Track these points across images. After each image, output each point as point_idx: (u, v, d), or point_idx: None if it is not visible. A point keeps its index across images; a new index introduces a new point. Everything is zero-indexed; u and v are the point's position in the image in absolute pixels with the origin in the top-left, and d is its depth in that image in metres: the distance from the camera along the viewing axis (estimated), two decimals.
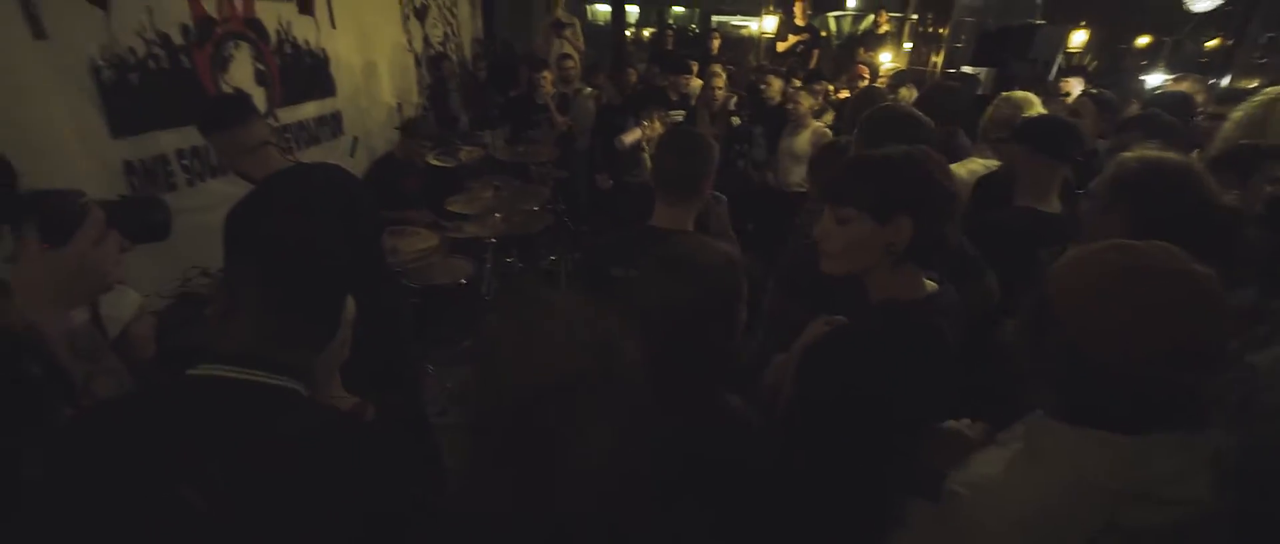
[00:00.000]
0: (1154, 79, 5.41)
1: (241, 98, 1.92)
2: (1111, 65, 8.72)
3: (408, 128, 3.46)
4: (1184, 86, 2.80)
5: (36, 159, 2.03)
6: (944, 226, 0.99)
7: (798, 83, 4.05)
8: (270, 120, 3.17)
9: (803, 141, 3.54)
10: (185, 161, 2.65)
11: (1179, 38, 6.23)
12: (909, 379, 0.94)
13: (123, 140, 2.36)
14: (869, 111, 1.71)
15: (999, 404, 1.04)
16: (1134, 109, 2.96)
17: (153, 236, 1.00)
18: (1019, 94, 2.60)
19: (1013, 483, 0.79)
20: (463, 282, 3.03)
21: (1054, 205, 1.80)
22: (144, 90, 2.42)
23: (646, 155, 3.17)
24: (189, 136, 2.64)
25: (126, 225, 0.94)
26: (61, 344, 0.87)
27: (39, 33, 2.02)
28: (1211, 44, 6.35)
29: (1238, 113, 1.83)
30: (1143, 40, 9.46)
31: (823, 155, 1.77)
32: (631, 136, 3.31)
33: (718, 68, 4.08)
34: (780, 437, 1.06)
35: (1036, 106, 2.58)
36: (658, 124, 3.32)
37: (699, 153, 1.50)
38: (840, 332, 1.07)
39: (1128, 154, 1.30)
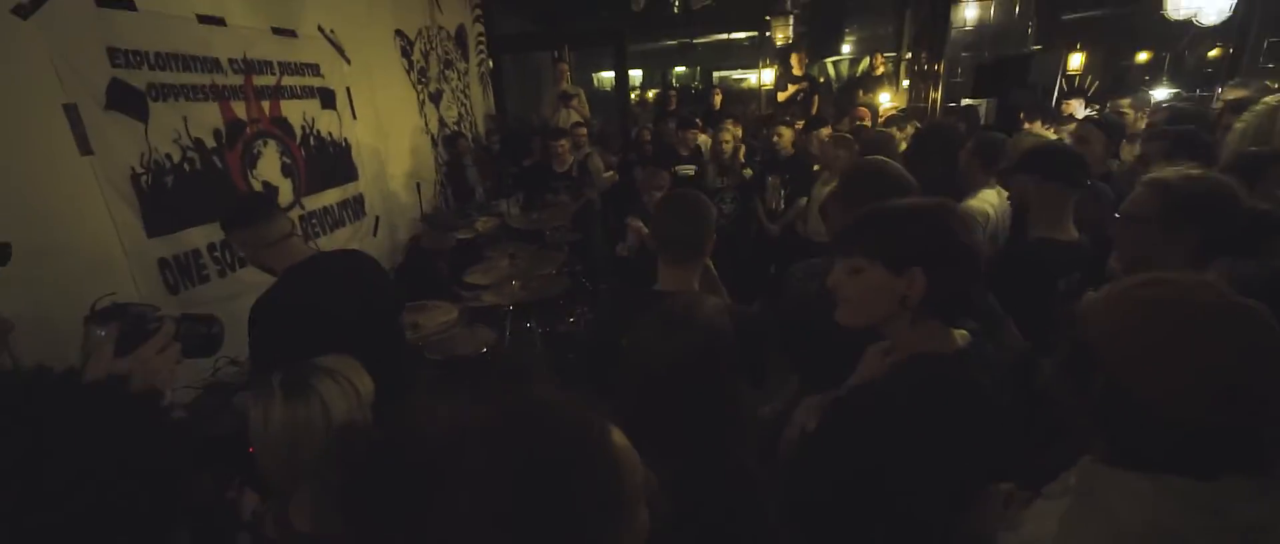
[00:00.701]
0: (1159, 93, 5.40)
1: (263, 196, 2.02)
2: (1113, 84, 8.76)
3: (430, 220, 3.61)
4: (1238, 92, 2.76)
5: (84, 262, 2.16)
6: (964, 281, 0.96)
7: (786, 128, 4.11)
8: (297, 208, 3.33)
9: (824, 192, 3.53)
10: (216, 254, 2.78)
11: (1179, 51, 6.25)
12: (942, 443, 0.89)
13: (157, 239, 2.49)
14: (849, 167, 1.72)
15: (1035, 455, 0.99)
16: (1140, 121, 2.95)
17: (205, 351, 1.07)
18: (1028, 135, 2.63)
19: (1075, 537, 0.74)
20: (484, 350, 3.05)
21: (1070, 233, 1.77)
22: (178, 191, 2.58)
23: (648, 236, 3.22)
24: (219, 231, 2.78)
25: (186, 340, 1.00)
26: None
27: (85, 149, 2.18)
28: (1213, 54, 6.36)
29: (1240, 122, 1.81)
30: (1142, 56, 9.54)
31: (830, 201, 1.77)
32: (633, 231, 3.34)
33: (728, 123, 4.16)
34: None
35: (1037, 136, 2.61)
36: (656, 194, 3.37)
37: (699, 214, 1.51)
38: (846, 404, 1.03)
39: (1172, 176, 1.30)
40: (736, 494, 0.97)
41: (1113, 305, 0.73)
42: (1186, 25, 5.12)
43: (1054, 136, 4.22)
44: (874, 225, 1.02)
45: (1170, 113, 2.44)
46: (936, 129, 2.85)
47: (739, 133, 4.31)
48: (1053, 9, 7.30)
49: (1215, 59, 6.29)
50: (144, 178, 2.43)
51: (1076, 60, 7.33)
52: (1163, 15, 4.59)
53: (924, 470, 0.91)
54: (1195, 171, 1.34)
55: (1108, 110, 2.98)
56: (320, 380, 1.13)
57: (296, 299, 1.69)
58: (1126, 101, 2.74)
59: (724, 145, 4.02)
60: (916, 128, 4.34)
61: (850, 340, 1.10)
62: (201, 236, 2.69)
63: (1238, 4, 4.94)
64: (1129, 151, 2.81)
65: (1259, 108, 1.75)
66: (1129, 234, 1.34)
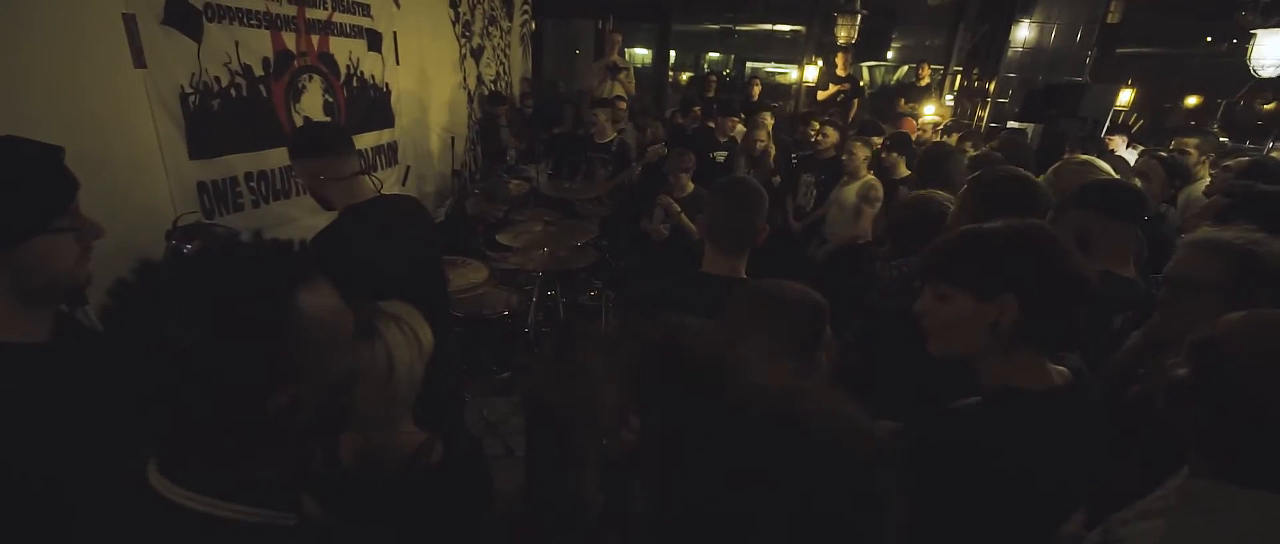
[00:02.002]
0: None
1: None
2: (1156, 124, 8.60)
3: (487, 192, 3.53)
4: None
5: (126, 176, 2.14)
6: (1062, 307, 0.91)
7: (818, 126, 4.04)
8: None
9: (850, 193, 3.45)
10: (252, 183, 2.76)
11: (1234, 100, 6.10)
12: (1017, 487, 0.85)
13: (198, 162, 2.47)
14: (979, 174, 1.64)
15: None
16: (1204, 166, 2.85)
17: None
18: (1081, 158, 2.56)
19: None
20: (506, 313, 3.05)
21: (1130, 270, 1.73)
22: (223, 116, 2.55)
23: (680, 214, 3.19)
24: (259, 161, 2.76)
25: None
26: None
27: (139, 62, 2.15)
28: (1268, 107, 6.20)
29: None
30: (1192, 100, 9.34)
31: (909, 211, 1.71)
32: (663, 208, 3.29)
33: (766, 116, 4.10)
34: None
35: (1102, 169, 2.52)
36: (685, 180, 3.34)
37: (754, 202, 1.48)
38: (924, 436, 0.97)
39: (1237, 238, 1.17)
40: None
41: (1257, 333, 0.71)
42: (1245, 73, 5.00)
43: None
44: (959, 250, 0.97)
45: (1252, 164, 2.34)
46: (1013, 144, 2.78)
47: (770, 125, 4.25)
48: (1110, 42, 7.13)
49: (1269, 112, 6.12)
50: (192, 98, 2.40)
51: (1125, 96, 7.21)
52: (1240, 61, 4.49)
53: (995, 512, 0.88)
54: (1258, 235, 1.17)
55: (1173, 149, 2.89)
56: (386, 325, 1.12)
57: (359, 237, 1.66)
58: (1194, 141, 2.66)
59: (758, 143, 3.96)
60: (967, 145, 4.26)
61: (934, 362, 1.07)
62: (241, 164, 2.67)
63: None
64: (1190, 192, 2.74)
65: None
66: (1183, 306, 1.19)
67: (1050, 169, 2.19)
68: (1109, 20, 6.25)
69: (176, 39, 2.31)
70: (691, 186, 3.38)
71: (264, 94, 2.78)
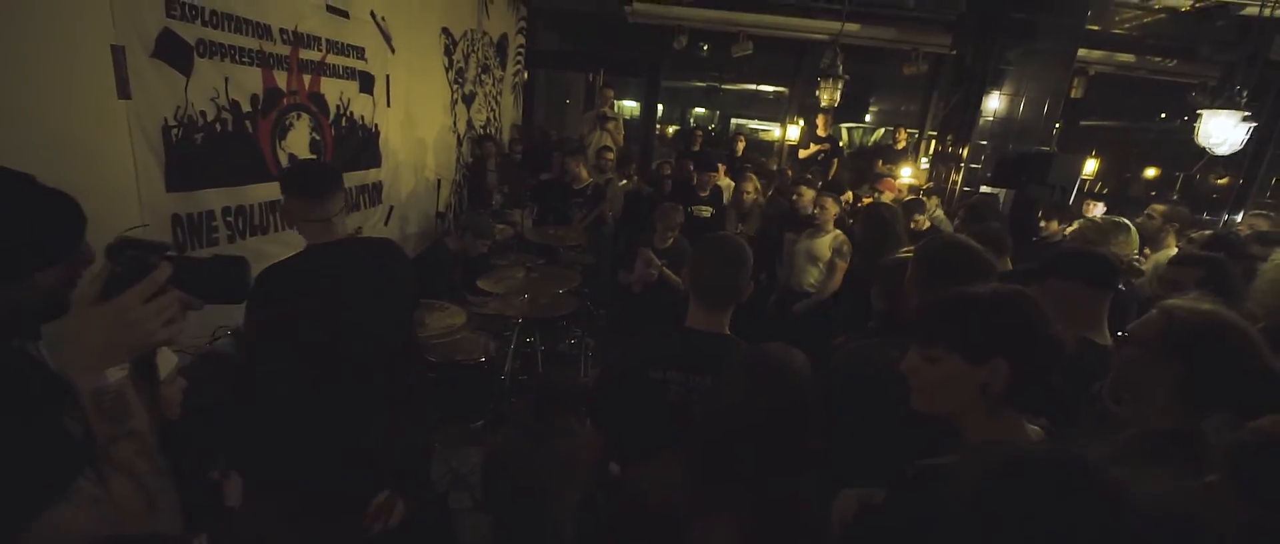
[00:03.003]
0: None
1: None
2: (1119, 193, 9.02)
3: (472, 226, 3.46)
4: (1264, 225, 2.81)
5: (99, 203, 2.08)
6: (1047, 372, 0.93)
7: (807, 189, 4.17)
8: None
9: (823, 245, 3.60)
10: (229, 218, 2.71)
11: (1190, 173, 6.44)
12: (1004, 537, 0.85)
13: (174, 194, 2.42)
14: (926, 242, 1.68)
15: None
16: (1169, 234, 2.99)
17: (231, 298, 0.97)
18: (1105, 220, 2.64)
19: None
20: (482, 360, 2.97)
21: (1106, 336, 1.76)
22: (205, 150, 2.52)
23: (661, 267, 3.23)
24: (238, 195, 2.72)
25: (200, 286, 0.91)
26: (89, 401, 0.83)
27: (124, 93, 2.13)
28: (1221, 182, 6.56)
29: (1272, 268, 1.82)
30: (1150, 172, 9.85)
31: (889, 273, 1.74)
32: (644, 261, 3.32)
33: (752, 173, 4.21)
34: None
35: (1132, 236, 2.57)
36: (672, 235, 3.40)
37: (739, 259, 1.48)
38: (915, 481, 0.98)
39: (1180, 303, 1.19)
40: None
41: None
42: (1202, 149, 5.31)
43: (1064, 234, 4.32)
44: (954, 314, 0.98)
45: (1212, 238, 2.44)
46: (985, 205, 2.92)
47: (758, 184, 4.36)
48: (1074, 114, 7.54)
49: (1222, 187, 6.48)
50: (175, 131, 2.37)
51: (1090, 166, 7.57)
52: (1191, 138, 4.77)
53: None
54: (1207, 304, 1.19)
55: (1142, 217, 3.03)
56: None
57: (307, 276, 1.63)
58: (1161, 209, 2.79)
59: (746, 195, 4.04)
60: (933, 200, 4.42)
61: (903, 423, 1.06)
62: (218, 199, 2.62)
63: (1250, 141, 5.14)
64: (1157, 259, 2.85)
65: None
66: (1124, 355, 1.24)
67: (1076, 224, 2.28)
68: (1072, 94, 6.62)
69: (165, 72, 2.30)
70: (673, 239, 3.41)
71: (249, 130, 2.77)
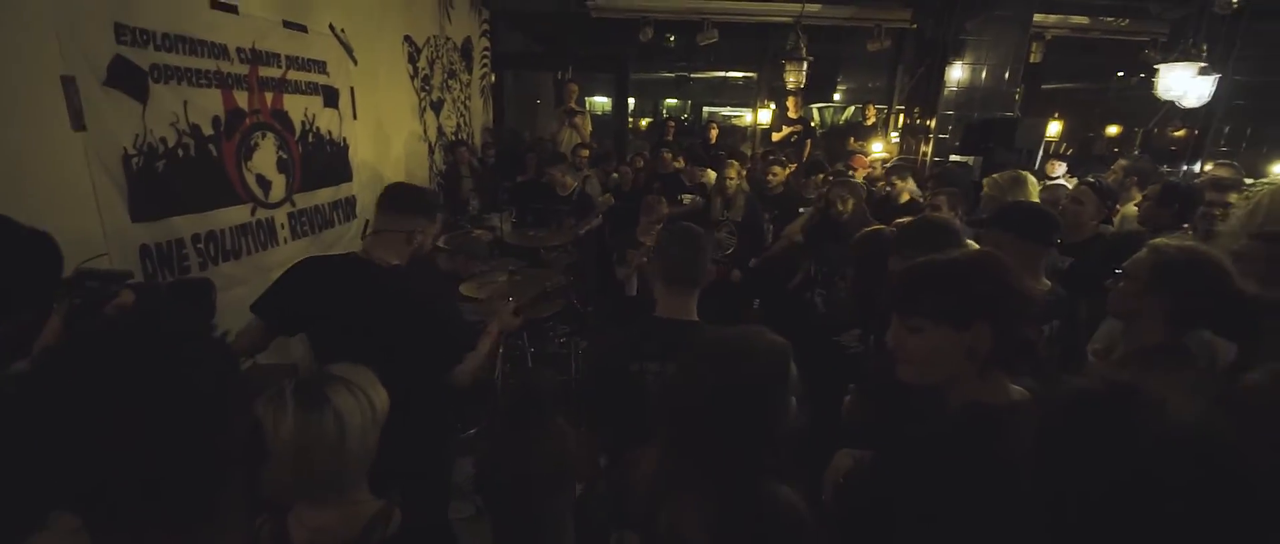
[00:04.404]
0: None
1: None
2: (1083, 152, 9.25)
3: (465, 249, 3.44)
4: (1224, 172, 2.95)
5: (61, 240, 2.03)
6: (1026, 329, 0.97)
7: (779, 169, 4.20)
8: (288, 205, 3.22)
9: (794, 228, 3.58)
10: (200, 245, 2.65)
11: (1149, 128, 6.63)
12: (996, 491, 0.86)
13: (141, 224, 2.37)
14: (906, 223, 1.77)
15: None
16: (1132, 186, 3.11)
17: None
18: (1004, 174, 2.85)
19: None
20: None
21: (1043, 283, 1.85)
22: (168, 177, 2.47)
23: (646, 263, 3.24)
24: (207, 221, 2.67)
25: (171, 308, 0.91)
26: None
27: (78, 125, 2.08)
28: (1179, 134, 6.76)
29: (1242, 199, 1.91)
30: (1112, 129, 10.10)
31: (864, 243, 1.80)
32: (632, 262, 3.33)
33: (734, 161, 4.20)
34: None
35: (1028, 187, 2.75)
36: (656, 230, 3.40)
37: (701, 243, 1.56)
38: (879, 461, 1.03)
39: (1167, 242, 1.39)
40: (777, 526, 0.93)
41: None
42: (1158, 104, 5.46)
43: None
44: (933, 282, 1.00)
45: (1164, 189, 2.58)
46: (949, 175, 3.05)
47: (741, 171, 4.39)
48: (1035, 79, 7.69)
49: (1180, 139, 6.67)
50: (135, 160, 2.32)
51: (1054, 128, 7.74)
52: (1149, 93, 4.90)
53: (972, 522, 0.88)
54: (1189, 242, 1.42)
55: (1104, 176, 3.14)
56: (335, 391, 1.06)
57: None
58: (1121, 163, 2.93)
59: (729, 182, 4.05)
60: (905, 180, 4.50)
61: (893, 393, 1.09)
62: (188, 226, 2.57)
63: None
64: (1125, 213, 2.96)
65: (1263, 189, 1.85)
66: (1118, 289, 1.43)
67: (986, 180, 2.41)
68: (1031, 60, 6.76)
69: (120, 100, 2.24)
70: (656, 238, 3.41)
71: (214, 153, 2.71)
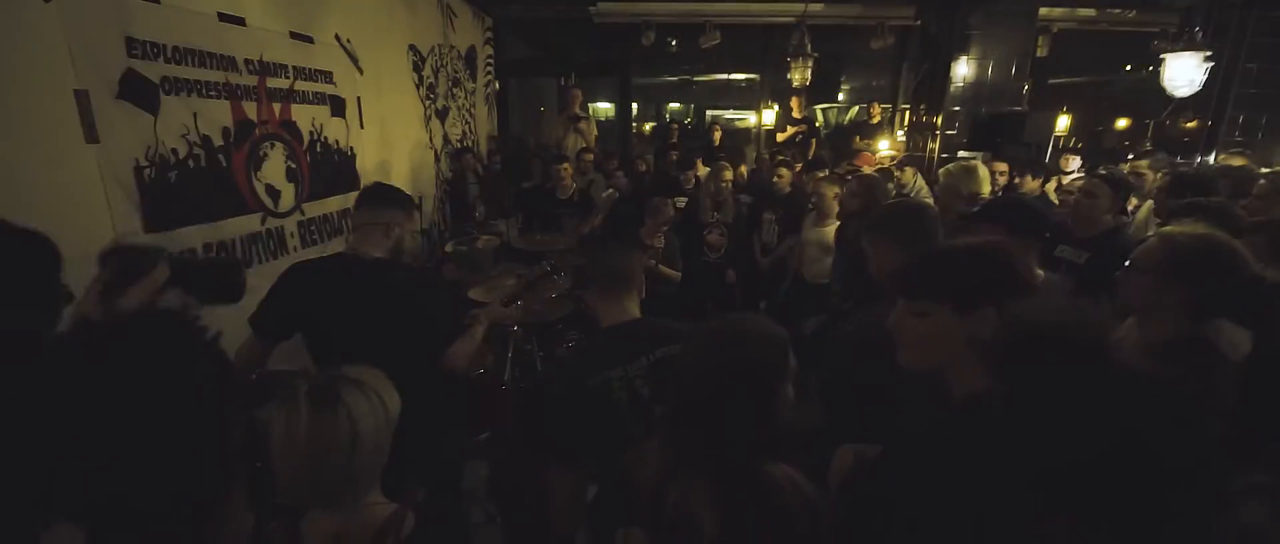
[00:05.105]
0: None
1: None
2: (1092, 146, 9.16)
3: (470, 263, 3.53)
4: (1237, 162, 2.93)
5: (74, 250, 2.05)
6: None
7: (786, 171, 4.19)
8: (297, 214, 3.25)
9: (830, 233, 3.42)
10: (211, 255, 2.67)
11: (1160, 120, 6.54)
12: (1001, 480, 0.85)
13: (154, 235, 2.39)
14: (876, 211, 1.76)
15: None
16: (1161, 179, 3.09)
17: (226, 298, 0.99)
18: (956, 165, 2.93)
19: None
20: (481, 371, 2.96)
21: (1038, 275, 1.82)
22: (180, 188, 2.50)
23: (656, 266, 3.29)
24: (217, 231, 2.69)
25: (198, 286, 0.92)
26: None
27: (91, 137, 2.10)
28: (1190, 125, 6.67)
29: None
30: (1122, 122, 10.00)
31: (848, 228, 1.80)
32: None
33: (727, 164, 4.16)
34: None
35: (978, 175, 2.85)
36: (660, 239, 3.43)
37: (620, 246, 1.62)
38: (882, 463, 1.02)
39: (1177, 231, 1.34)
40: (780, 501, 0.93)
41: None
42: (1168, 96, 5.40)
43: (1042, 191, 4.40)
44: (939, 268, 1.02)
45: (1172, 177, 2.55)
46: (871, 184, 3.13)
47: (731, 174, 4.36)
48: (1042, 73, 7.64)
49: (1193, 130, 6.58)
50: (148, 171, 2.34)
51: (1063, 122, 7.68)
52: (1158, 85, 4.87)
53: (976, 511, 0.88)
54: (1201, 229, 1.37)
55: (1124, 169, 3.12)
56: (348, 392, 1.06)
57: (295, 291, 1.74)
58: (1145, 163, 2.91)
59: (723, 184, 4.03)
60: (911, 174, 4.50)
61: (897, 387, 1.08)
62: (198, 235, 2.59)
63: (1217, 82, 5.25)
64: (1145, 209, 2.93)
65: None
66: (1130, 282, 1.38)
67: (941, 171, 2.61)
68: (1038, 53, 6.71)
69: (132, 113, 2.27)
70: (662, 241, 3.42)
71: (224, 163, 2.74)
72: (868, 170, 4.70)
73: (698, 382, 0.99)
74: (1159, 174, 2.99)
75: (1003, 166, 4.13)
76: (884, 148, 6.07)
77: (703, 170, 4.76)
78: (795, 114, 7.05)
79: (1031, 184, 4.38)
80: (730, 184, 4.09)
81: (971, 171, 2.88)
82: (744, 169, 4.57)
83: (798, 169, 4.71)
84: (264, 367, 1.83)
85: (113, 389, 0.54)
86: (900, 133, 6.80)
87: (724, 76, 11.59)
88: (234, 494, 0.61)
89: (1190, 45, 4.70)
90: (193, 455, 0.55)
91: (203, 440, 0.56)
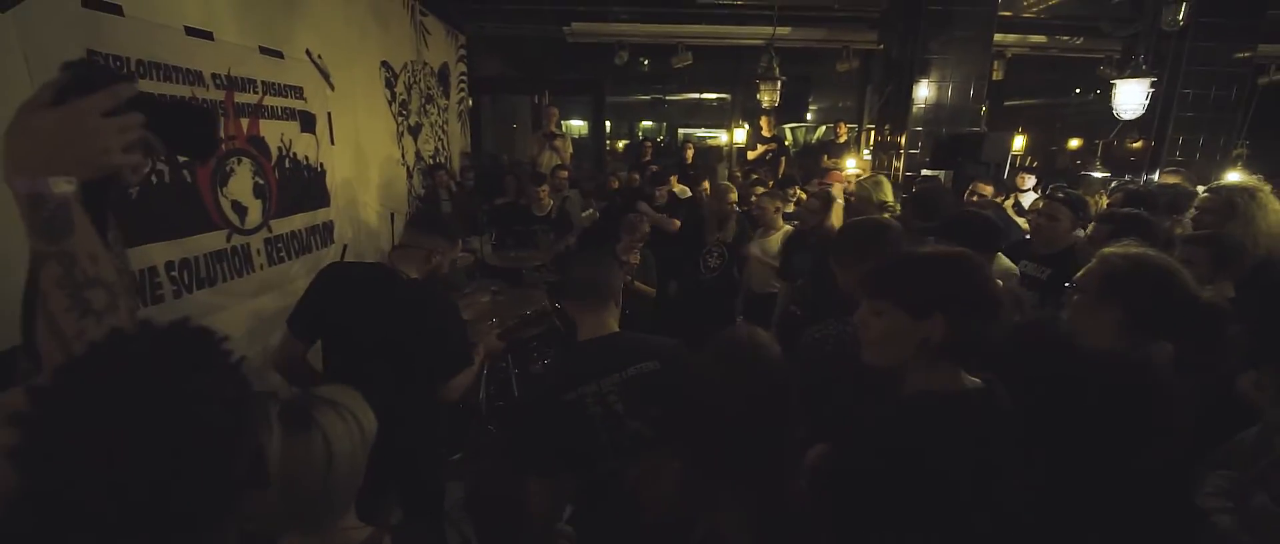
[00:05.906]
0: (1096, 175, 6.01)
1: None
2: (1047, 165, 9.59)
3: (446, 283, 3.52)
4: (1172, 180, 3.10)
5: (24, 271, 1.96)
6: (982, 328, 1.00)
7: (762, 189, 4.28)
8: (264, 230, 3.17)
9: (774, 243, 3.59)
10: (174, 273, 2.59)
11: (1109, 140, 6.92)
12: (938, 476, 0.91)
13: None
14: (846, 225, 1.85)
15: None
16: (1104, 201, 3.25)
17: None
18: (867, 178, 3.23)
19: None
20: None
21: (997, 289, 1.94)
22: (142, 204, 2.42)
23: (632, 282, 3.32)
24: (181, 248, 2.61)
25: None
26: (23, 208, 0.73)
27: None
28: (1136, 145, 7.06)
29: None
30: (1074, 142, 10.52)
31: (820, 245, 1.90)
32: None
33: (731, 185, 4.15)
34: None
35: (883, 188, 3.27)
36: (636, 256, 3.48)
37: (600, 259, 1.68)
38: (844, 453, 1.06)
39: (1114, 251, 1.34)
40: (807, 518, 0.96)
41: None
42: (1115, 118, 5.73)
43: (999, 200, 4.59)
44: (899, 273, 1.08)
45: (1123, 194, 2.69)
46: (932, 191, 3.34)
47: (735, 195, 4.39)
48: (998, 96, 8.00)
49: (1138, 150, 6.98)
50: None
51: (1019, 142, 8.04)
52: (1106, 107, 5.16)
53: (916, 507, 0.92)
54: (1135, 249, 1.34)
55: (1079, 191, 3.30)
56: (322, 412, 1.05)
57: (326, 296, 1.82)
58: (1105, 201, 3.14)
59: (729, 205, 3.98)
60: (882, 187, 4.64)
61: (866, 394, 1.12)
62: (162, 253, 2.51)
63: (1158, 105, 5.60)
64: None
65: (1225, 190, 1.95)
66: (1072, 302, 1.39)
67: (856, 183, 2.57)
68: (994, 77, 7.03)
69: None
70: (638, 257, 3.44)
71: (189, 179, 2.66)
72: (840, 188, 4.82)
73: (725, 403, 0.98)
74: (1117, 196, 3.19)
75: (988, 189, 4.28)
76: (851, 166, 6.25)
77: (679, 187, 4.82)
78: (765, 132, 7.22)
79: (986, 190, 4.55)
80: (734, 205, 4.10)
81: (879, 183, 3.41)
82: (707, 185, 4.62)
83: (769, 186, 4.80)
84: (305, 365, 1.85)
85: (133, 402, 0.53)
86: (867, 152, 7.02)
87: (696, 95, 11.80)
88: (229, 521, 0.60)
89: (1136, 73, 5.01)
90: (202, 476, 0.54)
91: (214, 462, 0.55)
